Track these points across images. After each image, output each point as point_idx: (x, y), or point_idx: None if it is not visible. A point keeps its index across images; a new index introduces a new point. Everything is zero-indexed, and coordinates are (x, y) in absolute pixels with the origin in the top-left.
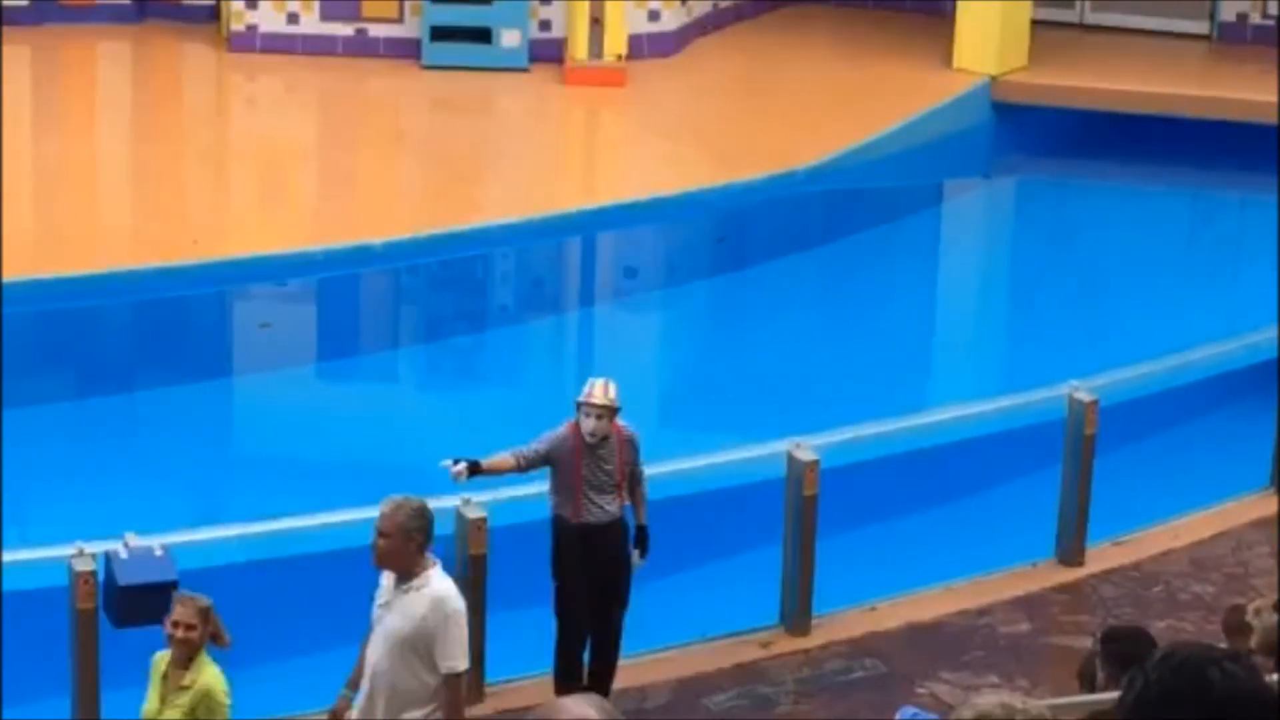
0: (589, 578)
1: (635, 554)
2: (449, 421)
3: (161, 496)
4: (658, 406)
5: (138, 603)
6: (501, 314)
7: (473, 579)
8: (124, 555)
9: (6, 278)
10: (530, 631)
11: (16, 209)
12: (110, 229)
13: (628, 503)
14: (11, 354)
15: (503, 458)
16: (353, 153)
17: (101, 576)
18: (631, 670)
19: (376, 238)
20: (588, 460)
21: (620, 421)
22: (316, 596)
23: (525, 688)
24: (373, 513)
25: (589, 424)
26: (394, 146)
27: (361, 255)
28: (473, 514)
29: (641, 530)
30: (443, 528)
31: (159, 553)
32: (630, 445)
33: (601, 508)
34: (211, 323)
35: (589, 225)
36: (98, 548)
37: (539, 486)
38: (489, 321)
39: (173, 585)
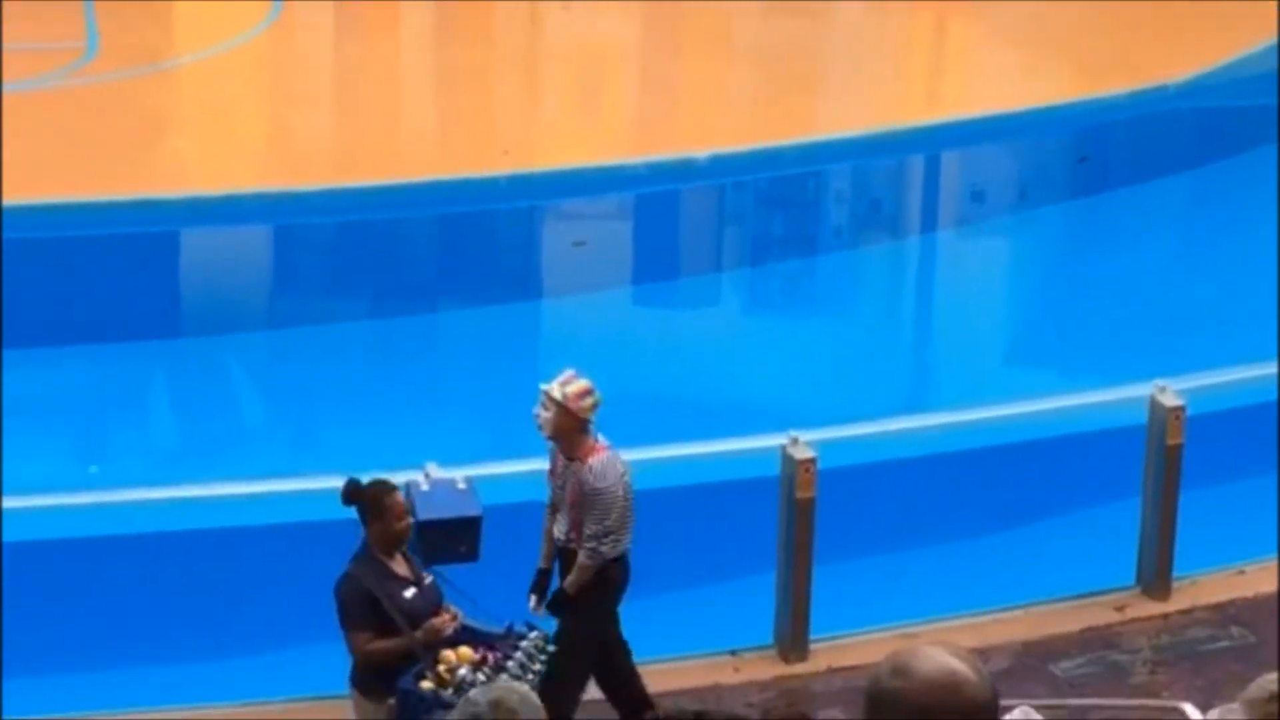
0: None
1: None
2: (772, 352)
3: (465, 424)
4: (1006, 342)
5: (439, 539)
6: (834, 237)
7: (799, 522)
8: (425, 487)
9: (303, 186)
10: (859, 584)
11: (317, 116)
12: (415, 137)
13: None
14: (310, 268)
15: (546, 529)
16: (676, 57)
17: None
18: (973, 630)
19: (701, 150)
20: (557, 467)
21: (593, 461)
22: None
23: (854, 644)
24: (688, 449)
25: (535, 406)
26: (722, 51)
27: (684, 169)
28: (800, 454)
29: (559, 593)
30: (769, 469)
31: (462, 486)
32: (579, 487)
33: (559, 525)
34: (521, 239)
35: (933, 141)
36: (397, 479)
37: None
38: (820, 245)
39: (476, 521)
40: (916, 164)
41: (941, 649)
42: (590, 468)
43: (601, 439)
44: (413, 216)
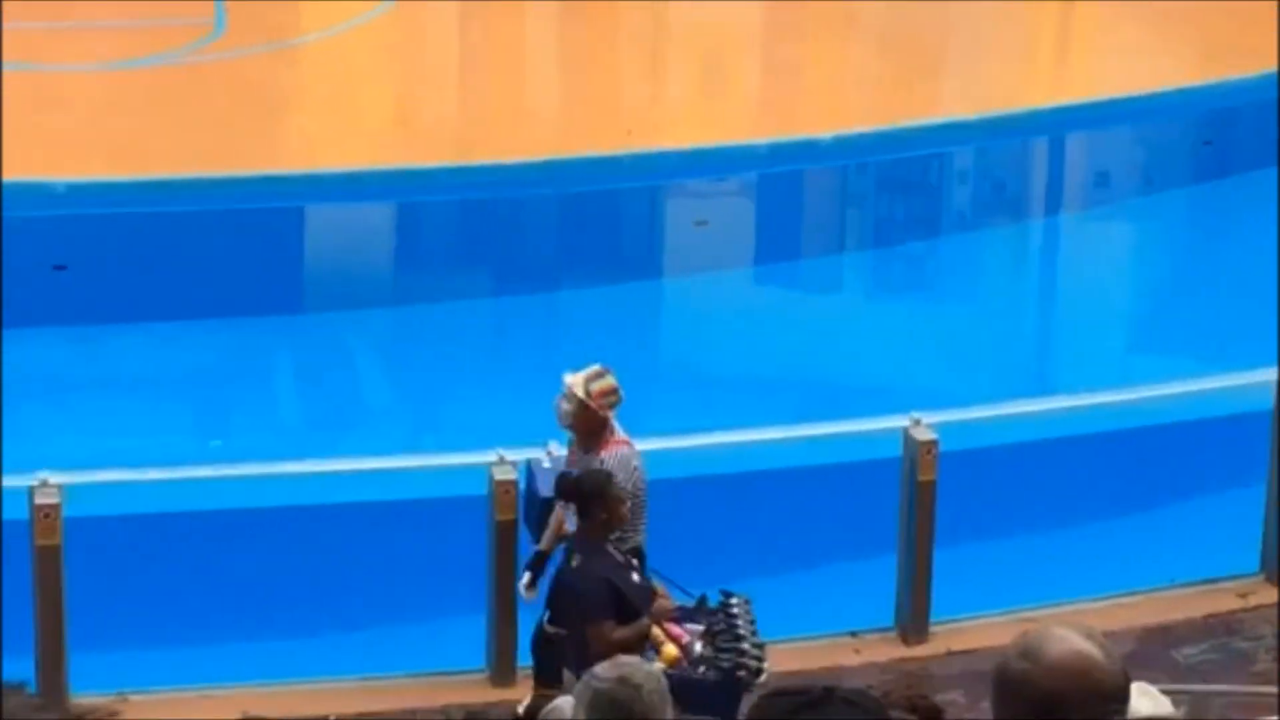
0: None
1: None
2: (893, 335)
3: None
4: (1130, 326)
5: None
6: (957, 220)
7: (920, 505)
8: (547, 465)
9: (428, 163)
10: (979, 567)
11: (441, 94)
12: (538, 115)
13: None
14: (432, 245)
15: (555, 515)
16: (800, 38)
17: (522, 486)
18: (1094, 614)
19: (824, 131)
20: (574, 457)
21: (606, 454)
22: (743, 516)
23: (974, 628)
24: (810, 431)
25: (556, 398)
26: (845, 32)
27: (807, 150)
28: (922, 436)
29: (539, 556)
30: (891, 450)
31: None
32: None
33: (571, 518)
34: (643, 218)
35: (1057, 124)
36: (519, 456)
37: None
38: (942, 227)
39: None
40: (1040, 147)
41: (1072, 630)
42: (603, 460)
43: (620, 432)
44: (535, 195)
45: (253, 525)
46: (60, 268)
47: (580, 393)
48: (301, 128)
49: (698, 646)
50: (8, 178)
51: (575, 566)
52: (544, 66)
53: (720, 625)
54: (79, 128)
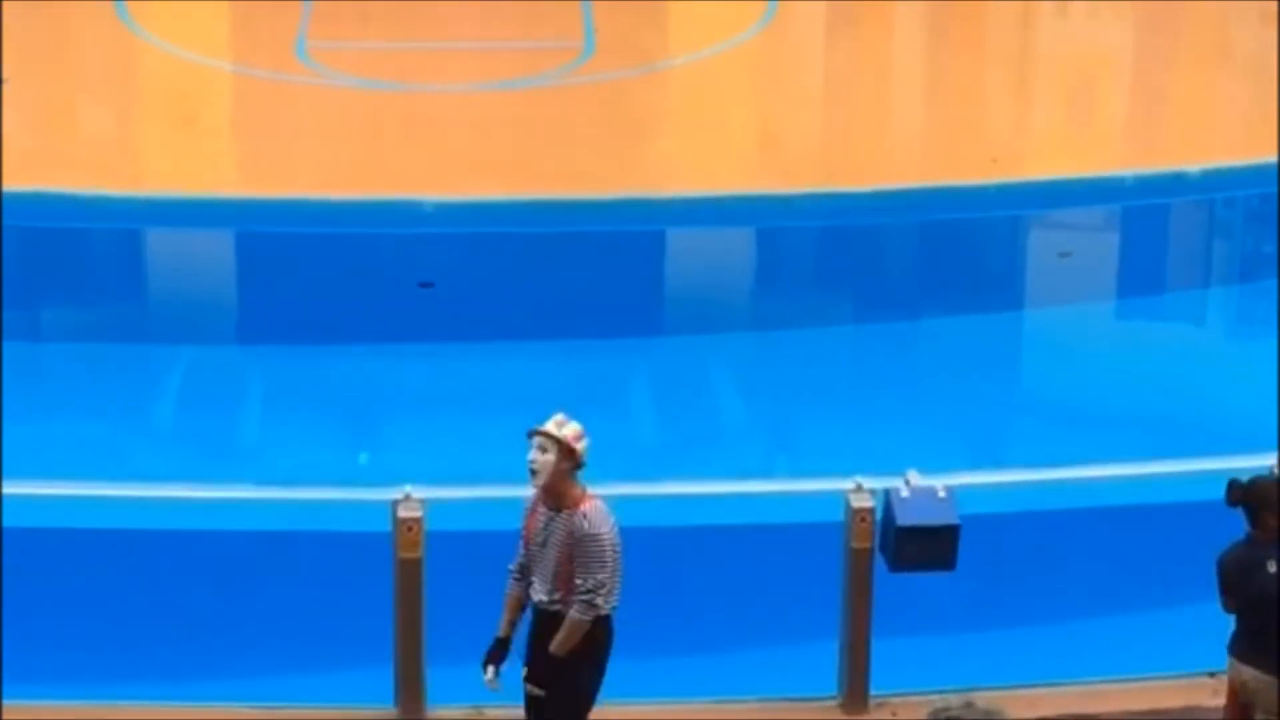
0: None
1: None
2: (1254, 376)
3: (945, 433)
4: None
5: (916, 545)
6: None
7: None
8: (905, 494)
9: (789, 189)
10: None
11: (806, 119)
12: (901, 142)
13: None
14: (793, 271)
15: (510, 595)
16: (1172, 68)
17: (880, 515)
18: None
19: (1192, 165)
20: (536, 523)
21: (586, 508)
22: (1091, 551)
23: None
24: (1171, 467)
25: (530, 453)
26: (1218, 60)
27: (1174, 183)
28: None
29: (547, 658)
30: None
31: (941, 494)
32: (570, 536)
33: (538, 589)
34: (1006, 248)
35: None
36: (878, 484)
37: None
38: None
39: (954, 529)
40: None
41: None
42: (584, 514)
43: (589, 489)
44: (898, 223)
45: None
46: (426, 285)
47: (557, 434)
48: (667, 150)
49: None
50: (382, 195)
51: (1274, 573)
52: (910, 94)
53: None
54: (449, 147)
